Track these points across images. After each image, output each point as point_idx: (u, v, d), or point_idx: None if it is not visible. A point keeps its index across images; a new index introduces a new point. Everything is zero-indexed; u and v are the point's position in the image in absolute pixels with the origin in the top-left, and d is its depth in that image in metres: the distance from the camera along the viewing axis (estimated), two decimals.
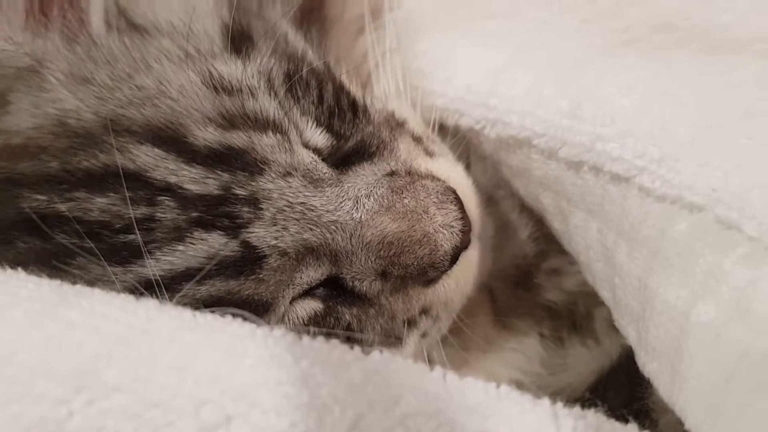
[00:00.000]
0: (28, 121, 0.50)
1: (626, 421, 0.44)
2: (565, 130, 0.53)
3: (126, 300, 0.42)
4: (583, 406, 0.43)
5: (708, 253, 0.44)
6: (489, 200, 0.65)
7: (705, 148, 0.47)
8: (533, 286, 0.68)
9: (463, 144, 0.64)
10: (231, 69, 0.53)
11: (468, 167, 0.64)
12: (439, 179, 0.56)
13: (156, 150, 0.49)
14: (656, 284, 0.47)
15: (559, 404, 0.42)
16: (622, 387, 0.60)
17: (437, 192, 0.55)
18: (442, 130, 0.64)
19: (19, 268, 0.44)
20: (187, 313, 0.42)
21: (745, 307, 0.41)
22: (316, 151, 0.55)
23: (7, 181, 0.50)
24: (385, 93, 0.63)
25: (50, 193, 0.49)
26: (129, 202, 0.48)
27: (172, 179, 0.49)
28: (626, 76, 0.54)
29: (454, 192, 0.56)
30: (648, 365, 0.49)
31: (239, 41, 0.56)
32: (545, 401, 0.42)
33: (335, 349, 0.42)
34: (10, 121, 0.51)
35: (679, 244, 0.46)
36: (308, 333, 0.43)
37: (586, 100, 0.53)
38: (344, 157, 0.56)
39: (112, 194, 0.48)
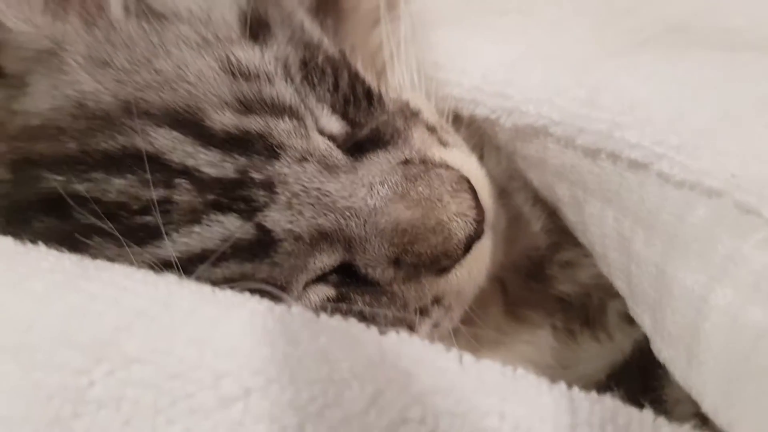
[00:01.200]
0: (47, 102, 0.51)
1: (642, 407, 0.44)
2: (582, 118, 0.53)
3: (146, 274, 0.42)
4: (599, 392, 0.43)
5: (726, 238, 0.44)
6: (502, 192, 0.65)
7: (723, 135, 0.47)
8: (546, 278, 0.68)
9: (477, 135, 0.64)
10: (248, 55, 0.54)
11: (482, 159, 0.63)
12: (453, 168, 0.56)
13: (174, 133, 0.50)
14: (674, 270, 0.47)
15: (576, 388, 0.42)
16: (634, 380, 0.59)
17: (451, 181, 0.55)
18: (456, 121, 0.64)
19: (40, 242, 0.44)
20: (206, 288, 0.42)
21: (764, 290, 0.41)
22: (331, 137, 0.55)
23: (25, 161, 0.50)
24: (400, 83, 0.63)
25: (68, 173, 0.49)
26: (152, 184, 0.48)
27: (190, 162, 0.49)
28: (643, 68, 0.54)
29: (468, 181, 0.56)
30: (664, 351, 0.49)
31: (257, 28, 0.56)
32: (562, 384, 0.42)
33: (353, 327, 0.42)
34: (29, 103, 0.52)
35: (697, 230, 0.46)
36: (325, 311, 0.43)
37: (604, 90, 0.53)
38: (359, 145, 0.56)
39: (129, 176, 0.49)
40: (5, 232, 0.46)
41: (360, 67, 0.61)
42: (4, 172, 0.51)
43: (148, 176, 0.48)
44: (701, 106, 0.49)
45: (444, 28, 0.66)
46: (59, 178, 0.49)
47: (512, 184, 0.67)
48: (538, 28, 0.64)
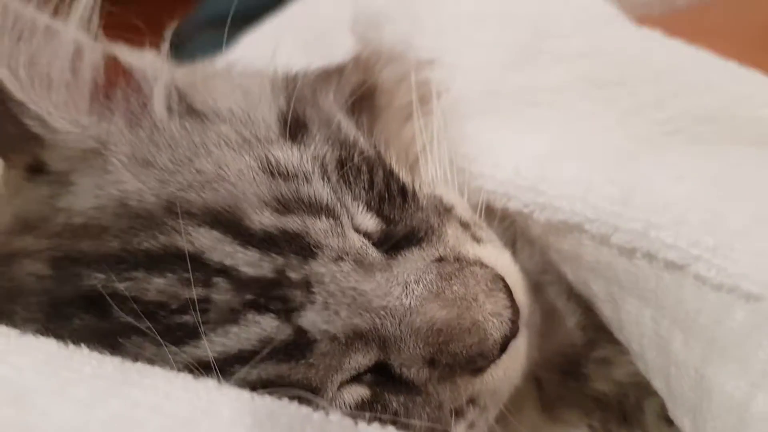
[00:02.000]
0: (90, 201, 0.52)
1: None
2: (617, 217, 0.53)
3: (186, 380, 0.42)
4: None
5: (767, 343, 0.43)
6: (536, 286, 0.64)
7: (759, 237, 0.47)
8: (582, 376, 0.66)
9: (510, 229, 0.65)
10: (287, 155, 0.55)
11: (514, 252, 0.63)
12: (487, 266, 0.56)
13: (214, 232, 0.50)
14: (713, 374, 0.46)
15: None
16: None
17: (486, 279, 0.54)
18: (489, 213, 0.64)
19: (82, 345, 0.45)
20: (245, 395, 0.42)
21: None
22: (367, 235, 0.55)
23: (66, 258, 0.51)
24: (433, 178, 0.64)
25: (109, 272, 0.49)
26: (192, 283, 0.48)
27: (228, 261, 0.50)
28: (675, 165, 0.54)
29: (503, 279, 0.55)
30: None
31: (295, 128, 0.57)
32: None
33: None
34: (72, 201, 0.53)
35: (736, 334, 0.45)
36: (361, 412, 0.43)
37: (638, 188, 0.53)
38: (394, 242, 0.56)
39: (169, 275, 0.49)
40: (46, 329, 0.47)
41: (394, 163, 0.62)
42: (45, 269, 0.52)
43: (189, 275, 0.48)
44: (736, 206, 0.50)
45: (475, 120, 0.67)
46: (100, 276, 0.49)
47: (546, 278, 0.67)
48: (569, 120, 0.65)
